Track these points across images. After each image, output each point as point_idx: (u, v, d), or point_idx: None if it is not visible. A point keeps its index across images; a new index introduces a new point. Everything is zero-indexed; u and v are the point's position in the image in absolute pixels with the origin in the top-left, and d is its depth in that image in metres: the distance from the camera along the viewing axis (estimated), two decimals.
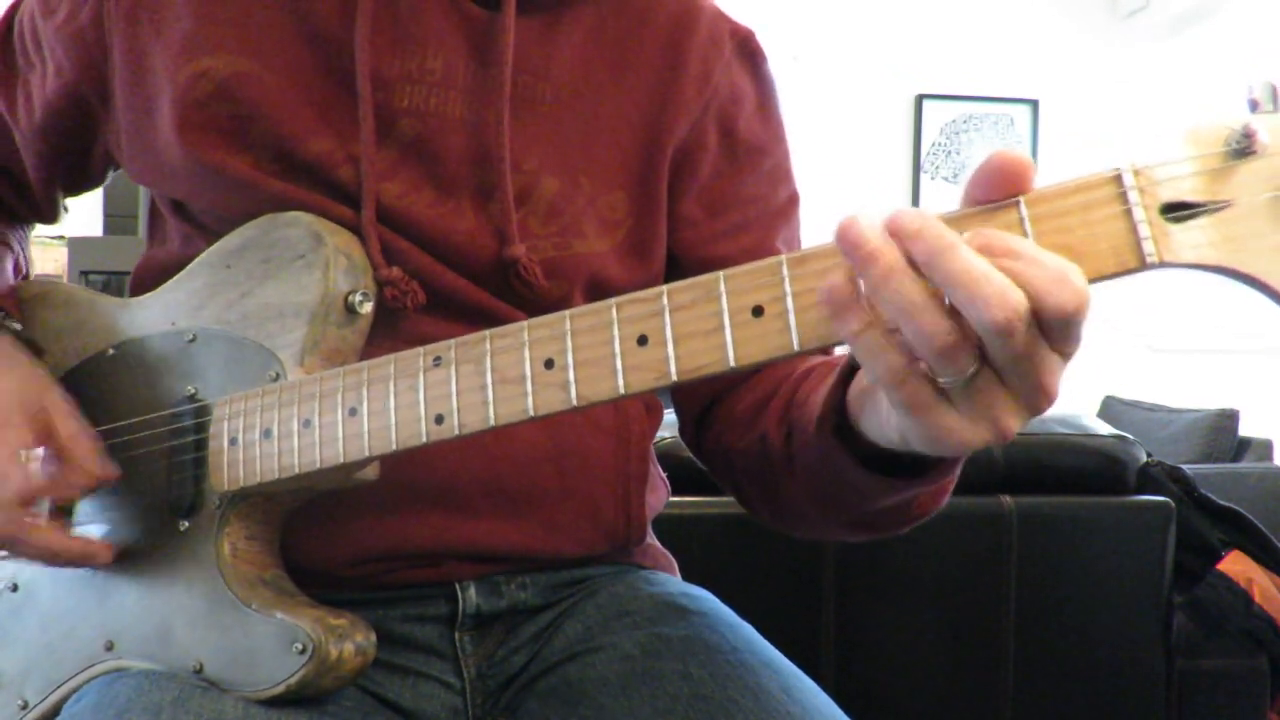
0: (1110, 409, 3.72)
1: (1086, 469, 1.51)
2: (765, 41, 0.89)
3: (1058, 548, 1.49)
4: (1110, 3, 4.61)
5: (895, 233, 0.46)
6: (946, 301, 0.46)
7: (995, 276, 0.44)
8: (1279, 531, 1.66)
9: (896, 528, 0.69)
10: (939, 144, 4.52)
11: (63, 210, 0.91)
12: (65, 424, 0.72)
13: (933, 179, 4.52)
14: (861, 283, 0.47)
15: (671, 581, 0.84)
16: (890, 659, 1.49)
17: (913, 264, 0.46)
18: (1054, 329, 0.46)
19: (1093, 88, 4.55)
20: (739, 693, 0.69)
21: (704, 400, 0.84)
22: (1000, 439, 0.49)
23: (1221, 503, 1.62)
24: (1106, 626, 1.52)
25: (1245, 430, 3.20)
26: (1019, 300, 0.44)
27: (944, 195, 4.51)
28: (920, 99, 4.50)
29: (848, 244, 0.46)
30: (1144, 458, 1.56)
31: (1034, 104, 4.53)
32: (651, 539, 0.89)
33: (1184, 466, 1.62)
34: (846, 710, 0.71)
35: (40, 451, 0.71)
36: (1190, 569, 1.57)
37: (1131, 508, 1.52)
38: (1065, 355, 0.47)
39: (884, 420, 0.54)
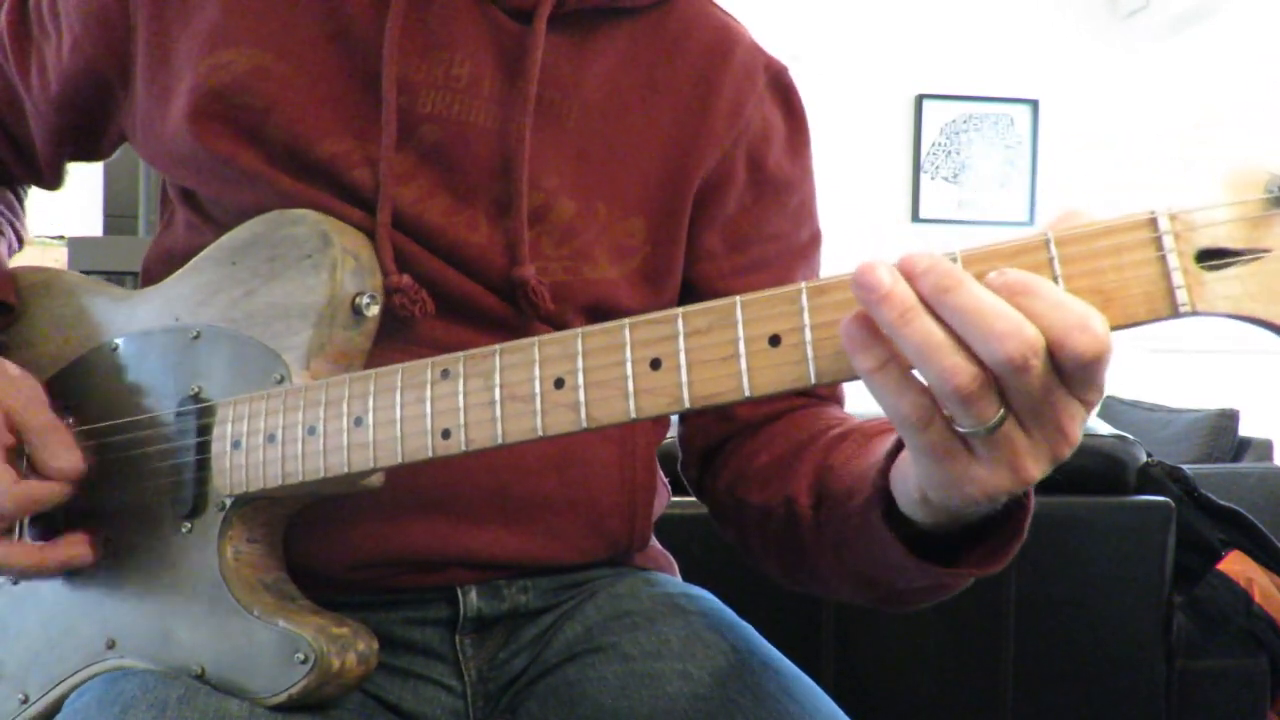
0: (1110, 409, 3.71)
1: (1086, 469, 1.51)
2: (765, 41, 0.88)
3: (1058, 548, 1.49)
4: (1110, 3, 4.60)
5: (905, 273, 0.46)
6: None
7: (1009, 312, 0.44)
8: (1279, 531, 1.66)
9: (924, 601, 0.66)
10: (939, 144, 4.51)
11: (65, 176, 0.90)
12: (31, 418, 0.70)
13: (933, 179, 4.51)
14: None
15: (671, 582, 0.84)
16: (890, 659, 1.49)
17: (928, 304, 0.45)
18: (1072, 375, 0.45)
19: (1093, 88, 4.54)
20: (739, 693, 0.69)
21: (714, 438, 0.84)
22: (1021, 486, 0.48)
23: (1221, 503, 1.62)
24: (1106, 626, 1.52)
25: (1245, 430, 3.19)
26: (1034, 336, 0.44)
27: (944, 195, 4.51)
28: (920, 99, 4.50)
29: (863, 290, 0.46)
30: (1144, 458, 1.56)
31: (1034, 104, 4.53)
32: (652, 540, 0.89)
33: (1184, 466, 1.62)
34: (846, 710, 0.71)
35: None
36: (1190, 569, 1.57)
37: (1131, 508, 1.52)
38: (1086, 403, 0.46)
39: (905, 475, 0.53)
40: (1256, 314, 0.45)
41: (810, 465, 0.71)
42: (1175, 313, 0.46)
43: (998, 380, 0.45)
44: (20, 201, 0.93)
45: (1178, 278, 0.45)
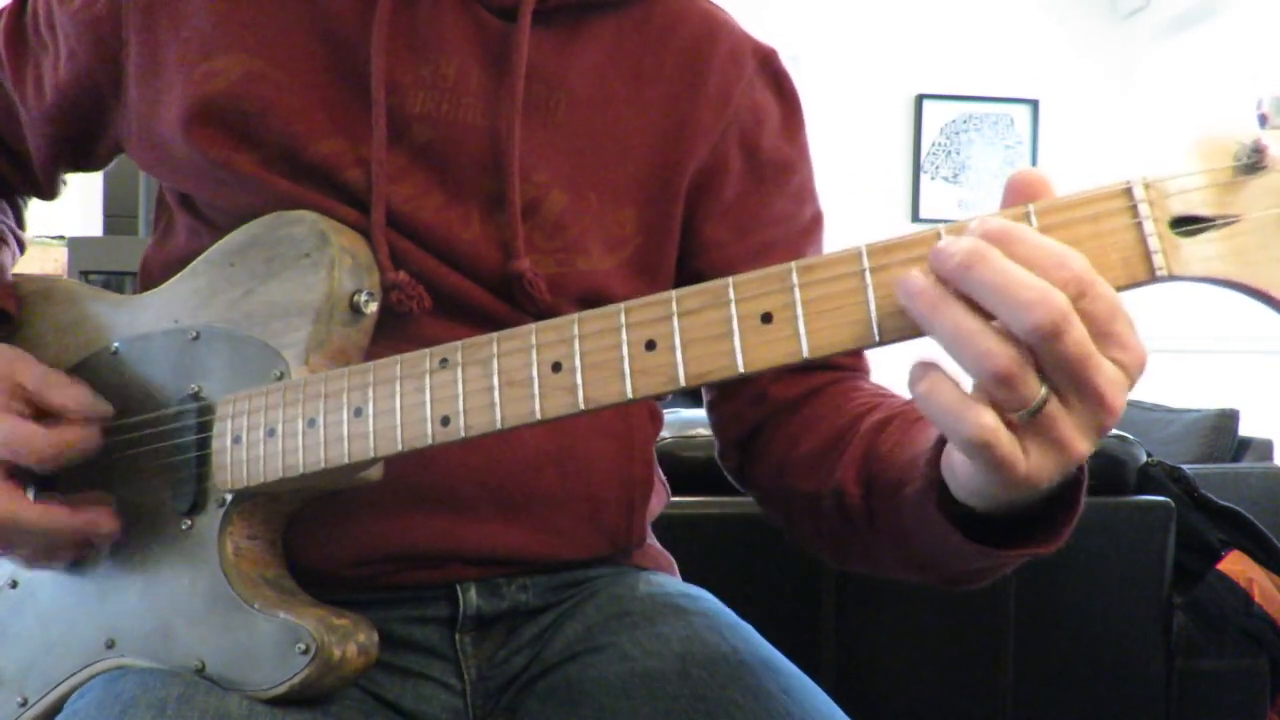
0: None
1: (1087, 469, 1.50)
2: (766, 41, 0.88)
3: (1058, 548, 1.49)
4: (1110, 3, 4.61)
5: (932, 263, 0.47)
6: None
7: (1032, 281, 0.44)
8: (1279, 531, 1.66)
9: (980, 581, 0.65)
10: (939, 144, 4.51)
11: (61, 186, 0.91)
12: (39, 381, 0.71)
13: (933, 179, 4.52)
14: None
15: (671, 582, 0.84)
16: (890, 659, 1.49)
17: (955, 286, 0.46)
18: (1096, 336, 0.45)
19: (1093, 88, 4.55)
20: (738, 693, 0.69)
21: (749, 424, 0.83)
22: (1071, 465, 0.49)
23: (1221, 503, 1.62)
24: (1106, 626, 1.52)
25: (1245, 430, 3.18)
26: (1062, 301, 0.44)
27: (944, 195, 4.51)
28: (920, 99, 4.50)
29: (902, 297, 0.47)
30: (1144, 458, 1.56)
31: (1034, 104, 4.53)
32: (651, 540, 0.89)
33: (1184, 466, 1.62)
34: (846, 710, 0.71)
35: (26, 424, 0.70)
36: (1190, 569, 1.57)
37: (1131, 508, 1.52)
38: (1121, 365, 0.47)
39: (953, 464, 0.53)
40: (1230, 276, 0.47)
41: (856, 453, 0.71)
42: (1153, 277, 0.48)
43: (1034, 354, 0.46)
44: (20, 212, 0.94)
45: (1154, 243, 0.47)
